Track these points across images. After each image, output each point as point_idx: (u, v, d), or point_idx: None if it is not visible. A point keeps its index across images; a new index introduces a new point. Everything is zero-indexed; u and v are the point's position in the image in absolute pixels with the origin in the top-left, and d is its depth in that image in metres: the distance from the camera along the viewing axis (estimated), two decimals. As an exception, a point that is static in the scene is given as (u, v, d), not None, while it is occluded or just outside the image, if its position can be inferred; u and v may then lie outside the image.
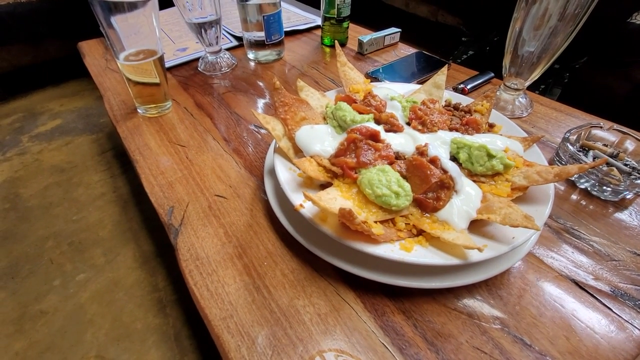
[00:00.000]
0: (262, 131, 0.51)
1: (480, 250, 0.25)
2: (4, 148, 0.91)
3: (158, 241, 0.68)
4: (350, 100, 0.40)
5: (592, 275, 0.32)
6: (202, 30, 0.60)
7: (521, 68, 0.47)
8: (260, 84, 0.62)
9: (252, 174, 0.43)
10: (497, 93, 0.53)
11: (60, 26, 1.10)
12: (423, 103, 0.39)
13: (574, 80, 0.87)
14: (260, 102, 0.58)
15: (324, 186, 0.33)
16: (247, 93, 0.60)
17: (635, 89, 0.84)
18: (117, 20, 0.44)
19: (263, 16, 0.60)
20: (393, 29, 0.72)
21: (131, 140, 0.49)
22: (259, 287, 0.30)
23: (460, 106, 0.41)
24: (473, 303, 0.29)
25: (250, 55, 0.68)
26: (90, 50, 0.74)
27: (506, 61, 0.49)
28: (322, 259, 0.30)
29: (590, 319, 0.28)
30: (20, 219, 0.73)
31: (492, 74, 0.60)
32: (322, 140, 0.34)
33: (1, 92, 1.10)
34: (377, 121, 0.37)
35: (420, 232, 0.29)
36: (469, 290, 0.30)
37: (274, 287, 0.30)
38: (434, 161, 0.30)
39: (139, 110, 0.55)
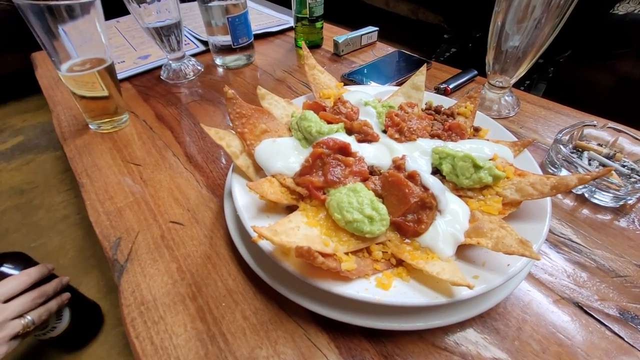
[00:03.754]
0: (230, 147, 0.46)
1: (470, 287, 0.20)
2: (-43, 170, 0.84)
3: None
4: (319, 108, 0.35)
5: (597, 296, 0.28)
6: (161, 36, 0.55)
7: (506, 64, 0.44)
8: (220, 92, 0.57)
9: (214, 194, 0.38)
10: (482, 92, 0.49)
11: (21, 37, 1.02)
12: (400, 108, 0.35)
13: (558, 75, 0.85)
14: (224, 110, 0.53)
15: (291, 209, 0.28)
16: (214, 102, 0.55)
17: (619, 82, 0.82)
18: (54, 27, 0.39)
19: (228, 18, 0.55)
20: (370, 28, 0.68)
21: (78, 160, 0.44)
22: (214, 335, 0.26)
23: (442, 109, 0.37)
24: (465, 340, 0.25)
25: (218, 61, 0.63)
26: (43, 62, 0.68)
27: (489, 58, 0.45)
28: (284, 297, 0.26)
29: (599, 351, 0.25)
30: (-28, 249, 0.66)
31: (476, 72, 0.56)
32: (285, 156, 0.30)
33: (-43, 109, 1.03)
34: (349, 131, 0.32)
35: (400, 262, 0.25)
36: (461, 324, 0.26)
37: (232, 334, 0.25)
38: (412, 177, 0.26)
39: (90, 126, 0.49)
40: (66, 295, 0.45)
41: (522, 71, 0.43)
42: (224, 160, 0.43)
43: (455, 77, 0.55)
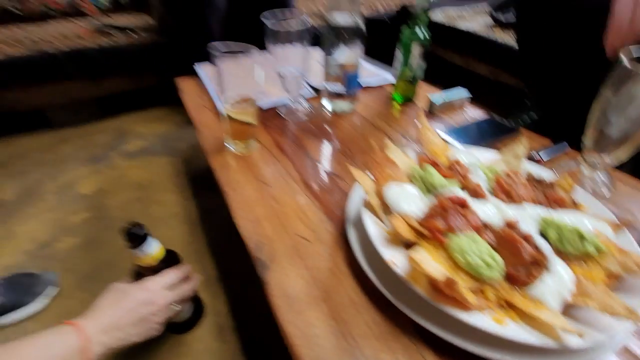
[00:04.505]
0: (340, 179, 0.55)
1: (580, 335, 0.25)
2: (97, 161, 1.04)
3: (221, 266, 0.72)
4: (434, 164, 0.42)
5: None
6: (288, 81, 0.67)
7: (606, 147, 0.47)
8: (332, 131, 0.67)
9: (330, 219, 0.46)
10: (576, 164, 0.53)
11: (153, 62, 1.26)
12: (507, 175, 0.41)
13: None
14: (333, 148, 0.62)
15: (407, 245, 0.35)
16: (322, 139, 0.65)
17: None
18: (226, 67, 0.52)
19: (345, 74, 0.67)
20: (462, 92, 0.75)
21: (222, 173, 0.56)
22: (344, 333, 0.32)
23: (544, 181, 0.42)
24: (561, 388, 0.29)
25: (327, 105, 0.74)
26: (185, 87, 0.85)
27: (587, 139, 0.49)
28: (402, 315, 0.32)
29: None
30: (105, 227, 0.82)
31: (567, 146, 0.60)
32: (410, 200, 0.37)
33: (99, 112, 1.27)
34: (463, 188, 0.39)
35: (511, 306, 0.30)
36: (557, 373, 0.30)
37: (359, 336, 0.32)
38: (527, 238, 0.31)
39: (229, 147, 0.62)
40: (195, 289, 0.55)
41: (623, 155, 0.46)
42: (334, 191, 0.51)
43: (547, 149, 0.59)
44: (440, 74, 1.53)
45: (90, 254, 0.75)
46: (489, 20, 1.34)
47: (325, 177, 0.55)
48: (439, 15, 1.42)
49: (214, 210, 0.87)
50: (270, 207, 0.48)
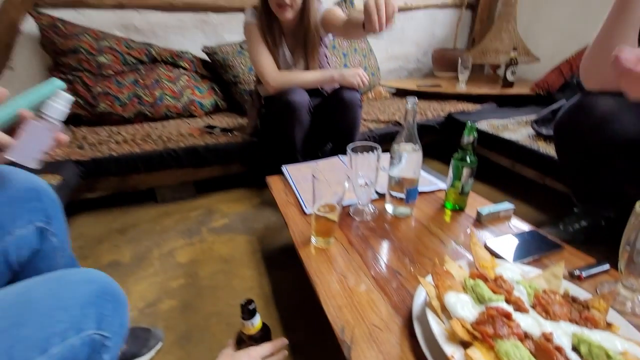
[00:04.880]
0: (402, 276, 0.67)
1: None
2: (191, 235, 1.27)
3: (290, 340, 0.83)
4: (483, 278, 0.54)
5: None
6: (360, 189, 0.85)
7: (638, 273, 0.56)
8: (393, 232, 0.81)
9: (397, 312, 0.58)
10: (616, 287, 0.60)
11: (243, 156, 1.55)
12: (545, 292, 0.51)
13: None
14: (395, 247, 0.76)
15: (463, 343, 0.46)
16: (384, 238, 0.80)
17: None
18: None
19: (406, 187, 0.84)
20: (507, 205, 0.88)
21: (309, 263, 0.71)
22: (414, 412, 0.42)
23: (579, 300, 0.51)
24: None
25: (389, 209, 0.90)
26: (274, 185, 1.08)
27: (621, 264, 0.58)
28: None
29: None
30: (197, 294, 0.99)
31: (608, 266, 0.67)
32: (464, 307, 0.49)
33: (195, 191, 1.56)
34: (507, 301, 0.50)
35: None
36: None
37: (426, 415, 0.42)
38: (559, 350, 0.41)
39: (312, 240, 0.78)
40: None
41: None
42: (399, 288, 0.64)
43: (588, 266, 0.67)
44: (488, 174, 1.66)
45: (185, 316, 0.92)
46: (531, 131, 1.50)
47: (389, 273, 0.68)
48: (484, 125, 1.61)
49: (284, 287, 1.01)
50: (348, 297, 0.62)
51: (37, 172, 0.56)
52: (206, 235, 1.28)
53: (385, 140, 1.70)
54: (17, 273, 0.52)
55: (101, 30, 1.74)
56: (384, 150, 0.82)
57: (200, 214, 1.42)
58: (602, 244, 1.00)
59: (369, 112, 1.89)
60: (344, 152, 1.27)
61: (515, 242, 0.76)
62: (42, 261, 0.54)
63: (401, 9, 2.55)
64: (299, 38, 1.29)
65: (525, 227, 0.84)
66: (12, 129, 0.47)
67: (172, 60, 1.87)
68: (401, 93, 2.38)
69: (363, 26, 0.96)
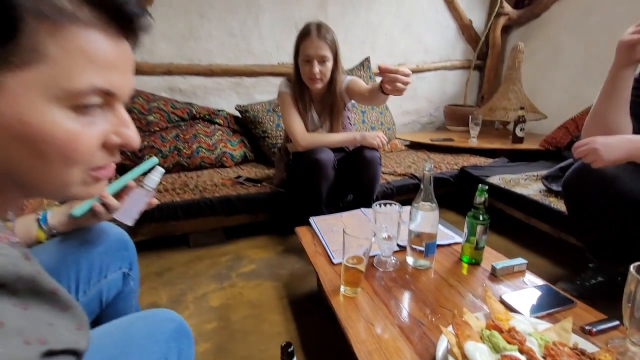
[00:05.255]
0: (424, 325, 0.74)
1: None
2: (221, 280, 1.36)
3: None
4: (498, 329, 0.61)
5: None
6: (384, 242, 0.95)
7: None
8: (414, 283, 0.89)
9: (420, 358, 0.65)
10: (625, 342, 0.65)
11: (268, 206, 1.67)
12: (555, 344, 0.58)
13: None
14: (416, 297, 0.83)
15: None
16: (406, 289, 0.87)
17: None
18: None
19: (425, 242, 0.93)
20: (521, 260, 0.95)
21: (340, 311, 0.79)
22: None
23: (586, 352, 0.57)
24: None
25: (410, 261, 0.98)
26: (303, 236, 1.18)
27: (625, 320, 0.64)
28: None
29: None
30: (229, 337, 1.06)
31: (618, 322, 0.73)
32: (482, 355, 0.56)
33: (224, 237, 1.67)
34: (520, 351, 0.57)
35: None
36: None
37: None
38: (566, 396, 0.47)
39: (341, 289, 0.87)
40: None
41: (655, 340, 0.60)
42: (421, 338, 0.70)
43: (600, 321, 0.73)
44: (503, 227, 1.72)
45: (219, 359, 0.98)
46: (542, 187, 1.58)
47: (412, 322, 0.75)
48: (496, 180, 1.71)
49: (311, 333, 1.07)
50: (377, 343, 0.69)
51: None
52: (236, 280, 1.37)
53: (402, 192, 1.81)
54: (102, 310, 0.63)
55: (152, 93, 2.01)
56: (401, 201, 0.92)
57: (230, 259, 1.52)
58: (619, 300, 1.03)
59: (386, 164, 2.03)
60: (365, 204, 1.39)
61: (529, 296, 0.82)
62: (121, 301, 0.65)
63: (414, 71, 2.80)
64: (325, 104, 1.48)
65: (539, 281, 0.90)
66: (117, 194, 0.61)
67: (209, 117, 2.10)
68: (415, 145, 2.53)
69: (382, 90, 1.13)
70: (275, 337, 1.06)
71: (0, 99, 0.28)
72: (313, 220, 1.24)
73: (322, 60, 1.35)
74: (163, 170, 0.64)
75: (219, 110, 2.15)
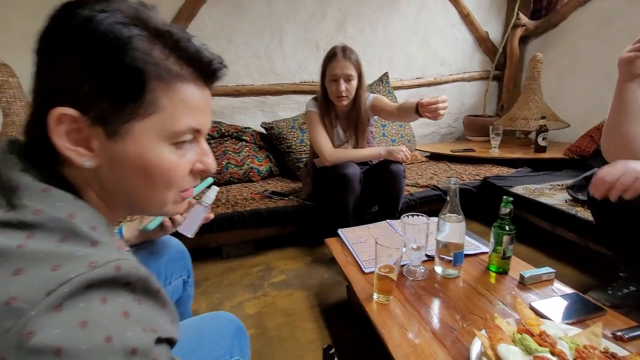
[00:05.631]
0: (456, 331, 0.78)
1: None
2: (255, 289, 1.44)
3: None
4: (529, 333, 0.65)
5: None
6: (413, 253, 1.00)
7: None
8: (443, 291, 0.93)
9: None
10: (655, 348, 0.68)
11: (296, 219, 1.74)
12: (585, 347, 0.61)
13: None
14: (446, 304, 0.87)
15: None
16: (436, 297, 0.92)
17: None
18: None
19: (453, 252, 0.97)
20: (548, 269, 0.97)
21: (375, 317, 0.85)
22: None
23: (617, 355, 0.60)
24: None
25: (438, 270, 1.03)
26: (333, 247, 1.24)
27: (656, 326, 0.66)
28: None
29: None
30: (266, 343, 1.12)
31: (649, 329, 0.74)
32: (515, 357, 0.60)
33: (254, 249, 1.76)
34: (551, 353, 0.60)
35: None
36: None
37: None
38: (598, 393, 0.51)
39: (374, 297, 0.92)
40: None
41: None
42: (454, 342, 0.74)
43: (632, 328, 0.75)
44: (529, 236, 1.72)
45: (258, 363, 1.05)
46: (568, 196, 1.59)
47: (444, 328, 0.79)
48: (520, 190, 1.72)
49: (344, 339, 1.12)
50: (411, 347, 0.74)
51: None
52: (268, 289, 1.44)
53: (425, 204, 1.85)
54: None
55: (184, 114, 2.15)
56: (423, 212, 0.97)
57: (261, 270, 1.60)
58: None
59: (408, 176, 2.08)
60: (390, 216, 1.45)
61: (558, 304, 0.85)
62: (181, 306, 0.73)
63: (431, 84, 2.87)
64: (351, 120, 1.56)
65: (568, 290, 0.92)
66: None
67: (237, 134, 2.22)
68: (436, 156, 2.56)
69: (417, 112, 1.26)
70: (310, 343, 1.12)
71: (129, 141, 0.37)
72: (341, 231, 1.30)
73: (348, 79, 1.45)
74: (218, 189, 0.73)
75: (245, 128, 2.27)
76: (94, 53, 0.34)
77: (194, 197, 0.71)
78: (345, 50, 1.45)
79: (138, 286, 0.33)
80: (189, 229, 0.68)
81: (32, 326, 0.24)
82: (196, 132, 0.42)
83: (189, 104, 0.40)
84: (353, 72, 1.45)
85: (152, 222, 0.66)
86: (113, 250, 0.32)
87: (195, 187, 0.45)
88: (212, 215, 0.72)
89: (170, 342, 0.36)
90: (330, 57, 1.46)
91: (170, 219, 0.66)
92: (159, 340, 0.33)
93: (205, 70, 0.41)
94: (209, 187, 0.72)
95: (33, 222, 0.30)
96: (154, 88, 0.37)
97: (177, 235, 0.81)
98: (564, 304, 0.85)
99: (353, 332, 1.14)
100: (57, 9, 0.36)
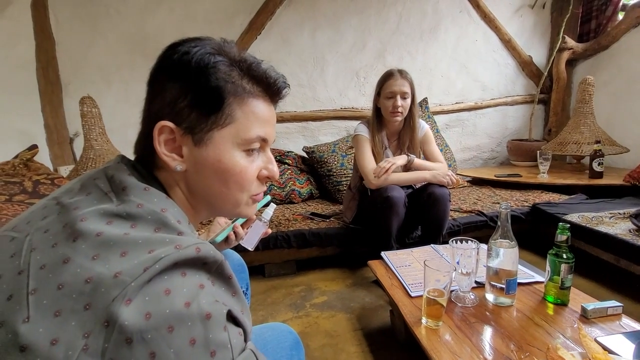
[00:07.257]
0: (513, 363, 0.75)
1: None
2: (297, 309, 1.46)
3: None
4: (598, 367, 0.62)
5: None
6: (462, 278, 0.98)
7: None
8: (495, 320, 0.90)
9: (515, 394, 0.66)
10: None
11: (338, 241, 1.76)
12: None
13: None
14: (498, 334, 0.84)
15: None
16: (489, 325, 0.88)
17: None
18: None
19: (506, 280, 0.94)
20: (614, 303, 0.91)
21: (425, 342, 0.84)
22: None
23: None
24: None
25: (490, 298, 0.99)
26: (378, 270, 1.25)
27: None
28: None
29: None
30: (311, 364, 1.13)
31: None
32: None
33: (295, 269, 1.79)
34: (626, 390, 0.57)
35: None
36: None
37: None
38: None
39: (422, 321, 0.91)
40: None
41: None
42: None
43: None
44: (589, 269, 1.60)
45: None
46: (631, 225, 1.47)
47: (497, 356, 0.76)
48: (575, 218, 1.63)
49: (389, 367, 1.10)
50: (466, 375, 0.72)
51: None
52: (310, 310, 1.45)
53: (469, 229, 1.80)
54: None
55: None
56: (468, 238, 0.96)
57: (302, 290, 1.62)
58: None
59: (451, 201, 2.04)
60: (433, 240, 1.43)
61: (628, 340, 0.79)
62: (239, 317, 0.78)
63: (472, 108, 2.84)
64: (403, 141, 1.62)
65: (638, 326, 0.85)
66: (242, 225, 0.76)
67: (280, 158, 2.34)
68: (478, 181, 2.49)
69: None
70: (355, 367, 1.11)
71: (210, 147, 0.44)
72: (385, 254, 1.31)
73: (404, 96, 1.53)
74: (275, 206, 0.79)
75: (288, 152, 2.38)
76: (190, 76, 0.42)
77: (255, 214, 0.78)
78: (401, 70, 1.56)
79: (213, 268, 0.37)
80: (250, 242, 0.74)
81: (131, 295, 0.30)
82: (263, 141, 0.49)
83: (258, 116, 0.47)
84: (408, 90, 1.54)
85: (220, 236, 0.73)
86: (194, 238, 0.38)
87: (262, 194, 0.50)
88: (270, 231, 0.77)
89: (243, 330, 0.38)
90: (387, 76, 1.55)
91: (234, 232, 0.73)
92: (230, 315, 0.36)
93: (271, 88, 0.48)
94: (267, 204, 0.78)
95: (136, 214, 0.37)
96: (231, 102, 0.44)
97: (236, 249, 0.88)
98: (634, 340, 0.79)
99: (398, 359, 1.12)
100: (163, 49, 0.46)
